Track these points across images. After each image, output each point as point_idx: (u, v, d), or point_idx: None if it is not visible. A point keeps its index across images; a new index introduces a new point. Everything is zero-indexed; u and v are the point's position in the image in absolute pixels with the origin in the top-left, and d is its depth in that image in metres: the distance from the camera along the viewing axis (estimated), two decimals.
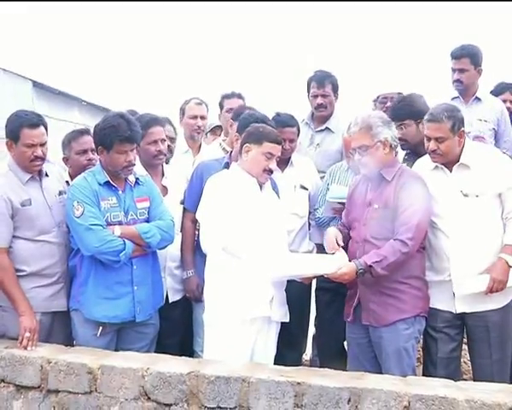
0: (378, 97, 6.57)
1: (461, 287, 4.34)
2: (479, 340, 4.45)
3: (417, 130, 4.84)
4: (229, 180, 4.50)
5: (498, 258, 4.33)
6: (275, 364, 4.40)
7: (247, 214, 4.34)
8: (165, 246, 4.70)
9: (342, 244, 4.43)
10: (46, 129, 4.50)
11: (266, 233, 4.38)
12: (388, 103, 6.09)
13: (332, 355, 5.05)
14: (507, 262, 4.31)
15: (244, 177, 4.49)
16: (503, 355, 4.43)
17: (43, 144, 4.44)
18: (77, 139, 5.11)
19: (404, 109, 4.82)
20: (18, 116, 4.47)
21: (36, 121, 4.44)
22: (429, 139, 4.43)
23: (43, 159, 4.46)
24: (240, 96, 6.40)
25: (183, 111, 6.40)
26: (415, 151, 4.96)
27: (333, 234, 4.50)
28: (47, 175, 4.57)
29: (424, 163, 4.60)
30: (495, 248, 4.37)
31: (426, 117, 4.51)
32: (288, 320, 4.60)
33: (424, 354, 4.74)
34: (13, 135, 4.39)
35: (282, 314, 4.54)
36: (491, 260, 4.35)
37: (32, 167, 4.44)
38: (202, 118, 6.15)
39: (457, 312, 4.42)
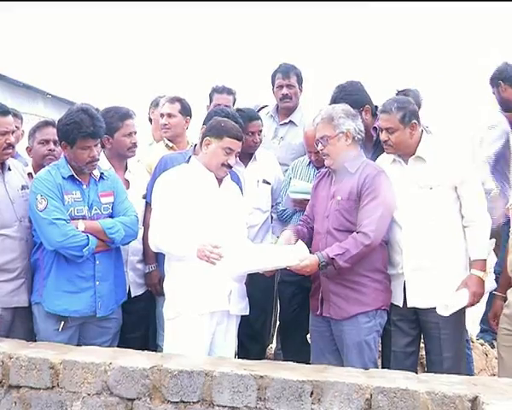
0: None
1: (444, 308, 4.28)
2: (430, 336, 4.49)
3: (361, 118, 4.73)
4: (183, 175, 4.51)
5: (470, 275, 4.34)
6: (239, 357, 4.40)
7: (199, 210, 4.36)
8: (129, 242, 4.70)
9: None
10: None
11: (223, 228, 4.38)
12: None
13: (295, 348, 5.08)
14: (480, 277, 4.33)
15: (201, 171, 4.50)
16: (456, 354, 4.44)
17: (13, 132, 4.45)
18: (40, 129, 5.14)
19: (346, 99, 4.75)
20: None
21: (6, 109, 4.45)
22: (382, 130, 4.49)
23: (13, 147, 4.47)
24: (230, 92, 6.41)
25: (156, 103, 6.39)
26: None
27: (287, 235, 4.52)
28: (9, 169, 4.53)
29: (384, 157, 4.65)
30: (448, 241, 4.39)
31: (379, 108, 4.59)
32: (247, 313, 4.62)
33: (382, 348, 4.77)
34: None
35: (241, 308, 4.55)
36: (443, 253, 4.37)
37: (4, 156, 4.42)
38: (169, 115, 5.94)
39: (408, 306, 4.44)
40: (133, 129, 5.08)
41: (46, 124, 5.18)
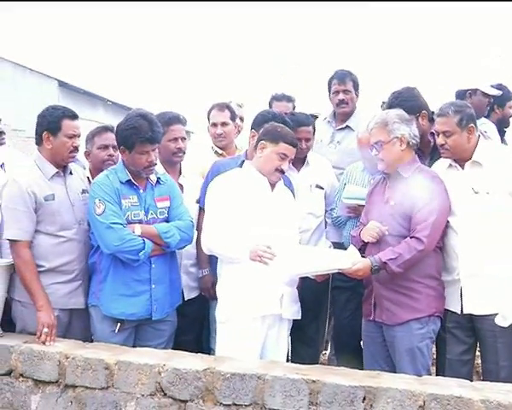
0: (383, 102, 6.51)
1: (503, 318, 4.19)
2: (486, 344, 4.39)
3: (418, 124, 4.73)
4: (236, 179, 4.54)
5: None
6: (292, 362, 4.40)
7: (252, 213, 4.38)
8: (184, 246, 4.74)
9: (387, 233, 4.38)
10: None
11: (276, 232, 4.39)
12: None
13: (349, 354, 5.05)
14: None
15: (254, 176, 4.53)
16: None
17: (79, 136, 4.55)
18: (100, 134, 5.19)
19: (402, 106, 4.72)
20: (56, 108, 4.56)
21: (74, 113, 4.55)
22: (438, 134, 4.43)
23: (78, 150, 4.58)
24: (289, 100, 6.46)
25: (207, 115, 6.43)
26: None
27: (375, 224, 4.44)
28: (71, 173, 4.63)
29: (440, 163, 4.60)
30: (506, 246, 4.29)
31: (435, 112, 4.54)
32: (299, 318, 4.63)
33: (437, 356, 4.71)
34: (53, 126, 4.44)
35: (293, 312, 4.56)
36: (500, 260, 4.26)
37: (69, 158, 4.54)
38: (223, 124, 5.95)
39: (464, 313, 4.38)
40: (179, 134, 5.11)
41: (105, 129, 5.24)
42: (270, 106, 6.34)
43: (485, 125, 5.88)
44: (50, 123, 4.46)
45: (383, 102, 6.30)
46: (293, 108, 6.39)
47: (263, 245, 4.28)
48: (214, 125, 5.91)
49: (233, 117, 5.93)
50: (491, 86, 6.26)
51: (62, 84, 21.80)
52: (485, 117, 6.19)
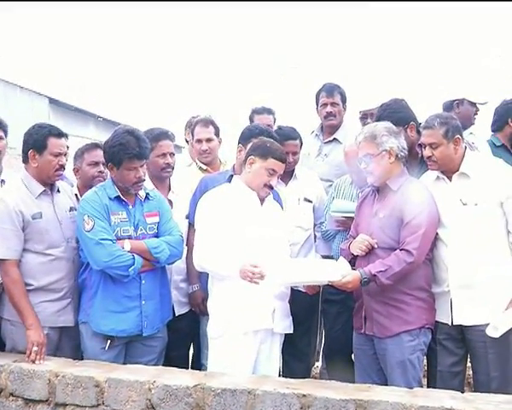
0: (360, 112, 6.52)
1: (494, 329, 4.17)
2: (477, 355, 4.38)
3: (406, 135, 4.75)
4: (225, 194, 4.53)
5: None
6: (283, 376, 4.39)
7: (242, 228, 4.37)
8: (174, 261, 4.73)
9: (376, 246, 4.38)
10: None
11: (266, 246, 4.38)
12: (369, 119, 5.87)
13: (340, 367, 5.04)
14: None
15: (243, 191, 4.52)
16: (504, 373, 4.31)
17: (65, 154, 4.54)
18: (90, 151, 5.19)
19: (390, 117, 4.73)
20: (42, 127, 4.54)
21: (61, 131, 4.54)
22: (425, 146, 4.44)
23: (64, 168, 4.56)
24: (270, 112, 6.48)
25: (190, 124, 6.39)
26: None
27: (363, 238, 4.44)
28: (58, 191, 4.62)
29: (427, 175, 4.61)
30: (495, 257, 4.29)
31: (422, 125, 4.55)
32: (291, 332, 4.62)
33: (428, 368, 4.70)
34: (39, 144, 4.44)
35: (285, 326, 4.56)
36: (489, 270, 4.26)
37: (55, 177, 4.52)
38: (208, 140, 5.86)
39: (454, 324, 4.37)
40: (167, 150, 5.10)
41: (95, 146, 5.24)
42: (251, 120, 6.34)
43: (474, 136, 5.90)
44: (36, 141, 4.46)
45: (360, 112, 6.35)
46: (274, 121, 6.41)
47: (250, 265, 4.25)
48: (199, 141, 5.85)
49: (217, 132, 5.88)
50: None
51: (53, 102, 21.83)
52: (498, 131, 6.21)
